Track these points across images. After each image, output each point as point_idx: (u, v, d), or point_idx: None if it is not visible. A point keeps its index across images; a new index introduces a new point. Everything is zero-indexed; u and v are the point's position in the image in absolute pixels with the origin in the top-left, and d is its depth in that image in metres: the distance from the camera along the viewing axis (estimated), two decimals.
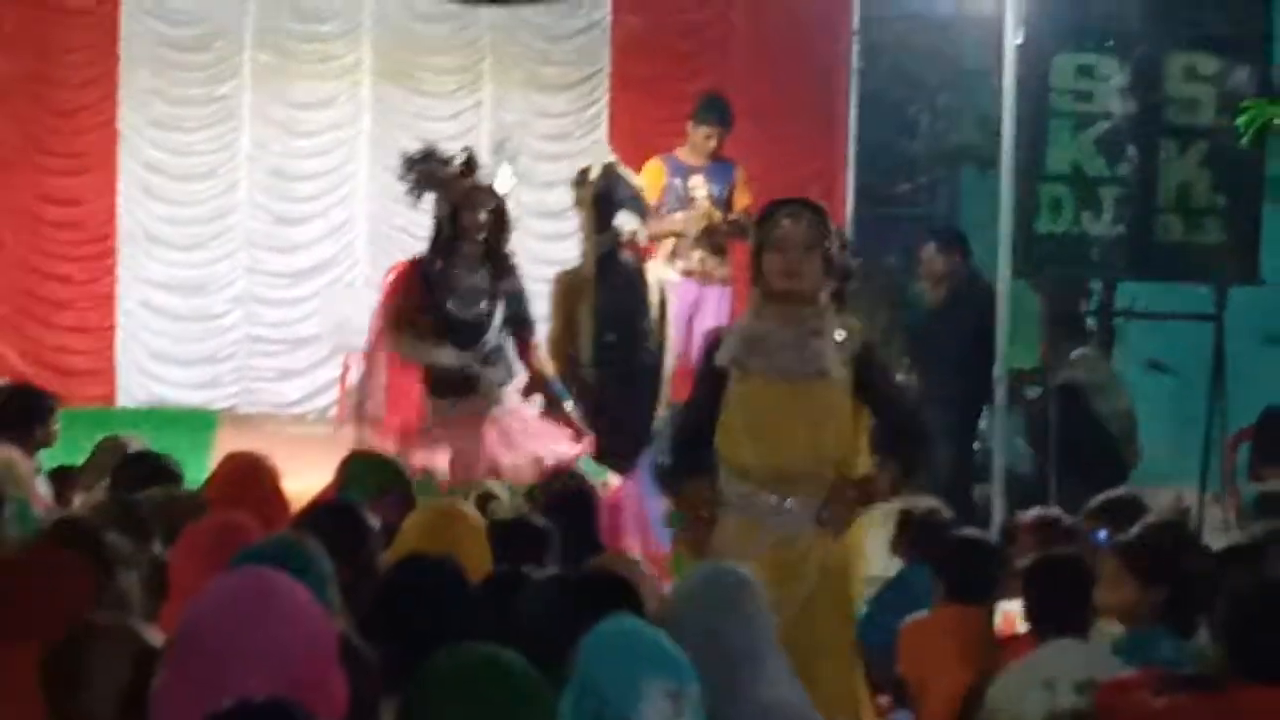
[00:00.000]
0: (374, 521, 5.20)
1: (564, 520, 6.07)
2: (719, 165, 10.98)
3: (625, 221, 9.07)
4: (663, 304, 9.26)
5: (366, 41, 13.18)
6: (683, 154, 11.01)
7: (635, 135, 12.95)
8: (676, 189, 10.84)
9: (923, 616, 5.72)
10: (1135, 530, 5.49)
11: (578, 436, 8.38)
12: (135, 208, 13.04)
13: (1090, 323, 11.26)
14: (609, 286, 8.99)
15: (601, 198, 8.98)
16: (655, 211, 10.78)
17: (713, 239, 10.84)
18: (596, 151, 10.80)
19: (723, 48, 13.35)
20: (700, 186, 10.86)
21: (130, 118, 12.98)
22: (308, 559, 4.16)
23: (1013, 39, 9.29)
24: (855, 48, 13.01)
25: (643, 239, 9.18)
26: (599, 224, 9.05)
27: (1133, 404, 10.46)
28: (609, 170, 9.11)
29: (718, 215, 10.80)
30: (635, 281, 9.12)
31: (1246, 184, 10.00)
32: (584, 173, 9.15)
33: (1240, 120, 9.15)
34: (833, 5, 13.04)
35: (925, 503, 6.92)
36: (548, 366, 8.56)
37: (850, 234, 12.97)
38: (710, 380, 5.73)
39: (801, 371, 5.61)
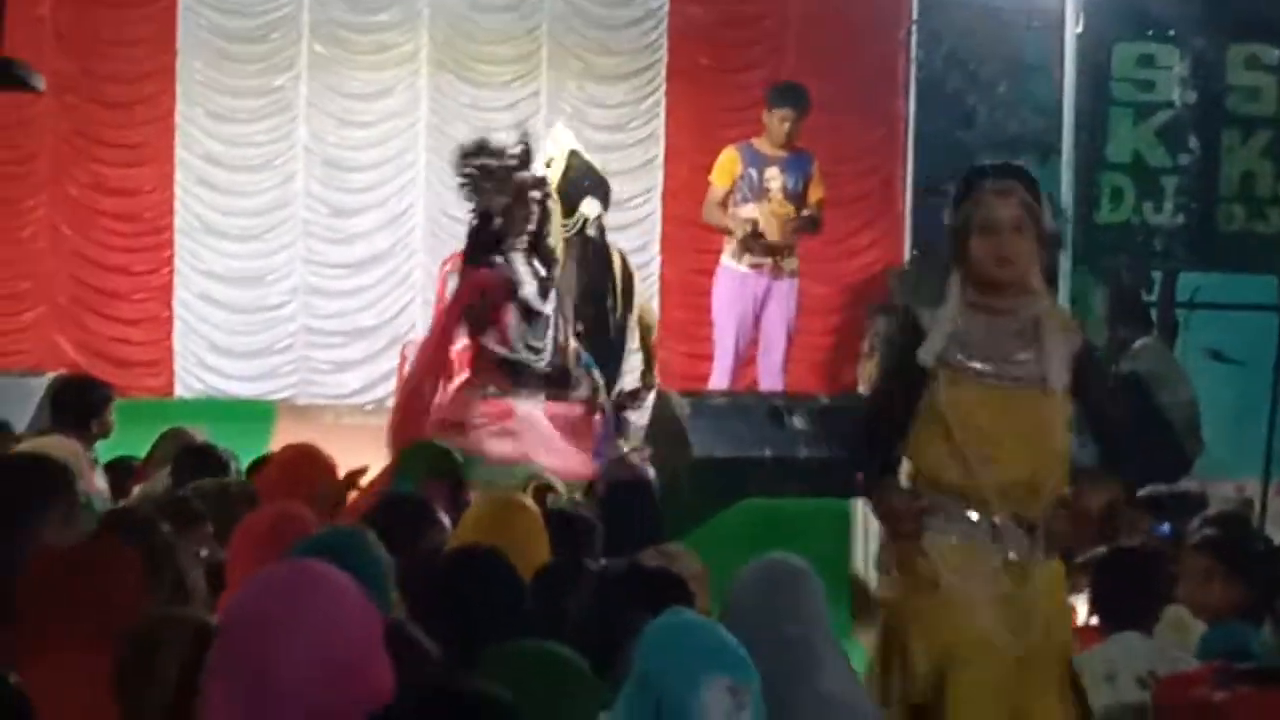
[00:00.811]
0: (442, 515, 5.20)
1: (620, 510, 6.05)
2: (796, 156, 10.83)
3: (589, 208, 9.55)
4: (627, 280, 9.79)
5: (423, 31, 13.17)
6: (759, 143, 10.84)
7: (692, 126, 12.95)
8: (750, 179, 10.67)
9: None
10: (1212, 525, 5.38)
11: (595, 455, 8.43)
12: (192, 199, 13.06)
13: (1152, 313, 11.18)
14: (576, 267, 9.30)
15: (567, 185, 9.26)
16: (727, 200, 10.73)
17: (784, 235, 10.70)
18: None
19: (780, 38, 13.29)
20: (775, 178, 10.71)
21: (187, 110, 13.00)
22: (363, 550, 4.14)
23: (1073, 28, 9.24)
24: (914, 37, 12.95)
25: (605, 223, 9.73)
26: (564, 210, 9.44)
27: (1195, 394, 10.38)
28: (573, 159, 9.35)
29: (789, 210, 10.66)
30: (600, 262, 9.54)
31: None
32: (548, 162, 9.42)
33: None
34: None
35: None
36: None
37: (908, 226, 12.97)
38: (909, 376, 4.98)
39: (1022, 376, 4.91)
